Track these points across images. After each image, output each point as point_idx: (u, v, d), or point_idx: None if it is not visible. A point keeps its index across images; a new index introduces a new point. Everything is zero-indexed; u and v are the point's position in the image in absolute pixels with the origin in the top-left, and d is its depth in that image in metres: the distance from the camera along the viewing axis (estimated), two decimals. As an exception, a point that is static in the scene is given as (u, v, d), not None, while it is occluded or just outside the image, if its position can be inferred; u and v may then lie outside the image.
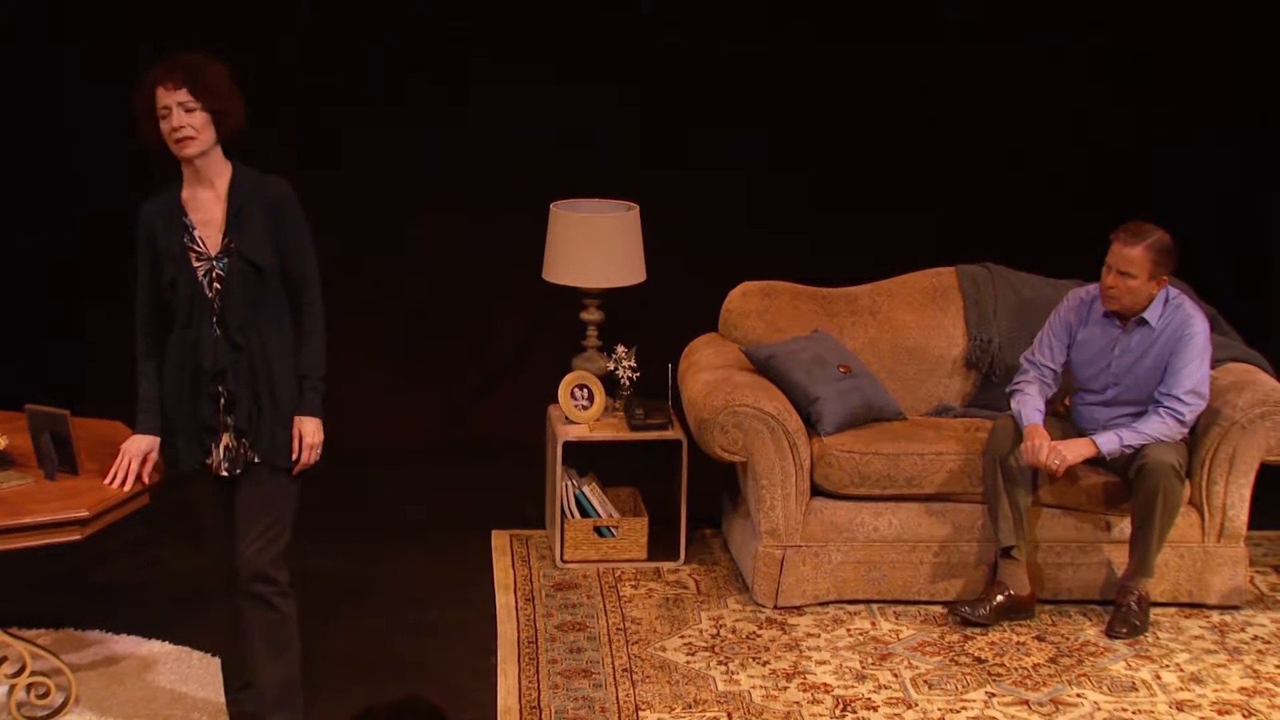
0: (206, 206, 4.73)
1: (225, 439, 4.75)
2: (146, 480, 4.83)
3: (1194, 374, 5.78)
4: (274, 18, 7.06)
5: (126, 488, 4.80)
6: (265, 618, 4.79)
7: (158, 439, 4.84)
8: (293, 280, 4.77)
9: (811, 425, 6.01)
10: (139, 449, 4.82)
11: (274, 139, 6.98)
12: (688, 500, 6.30)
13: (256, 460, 4.76)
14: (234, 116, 4.71)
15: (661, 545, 6.33)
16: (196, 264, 4.70)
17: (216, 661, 5.34)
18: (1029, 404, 5.87)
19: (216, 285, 4.70)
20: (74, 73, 7.00)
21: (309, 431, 4.78)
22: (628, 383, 6.37)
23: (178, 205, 4.73)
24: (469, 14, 7.12)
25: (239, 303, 4.70)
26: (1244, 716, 5.31)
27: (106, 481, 4.79)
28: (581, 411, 6.34)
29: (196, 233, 4.71)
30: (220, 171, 4.74)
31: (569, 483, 6.32)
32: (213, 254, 4.70)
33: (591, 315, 6.49)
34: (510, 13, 7.14)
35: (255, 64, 6.94)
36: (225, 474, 4.77)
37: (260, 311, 4.73)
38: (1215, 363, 5.95)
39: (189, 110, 4.63)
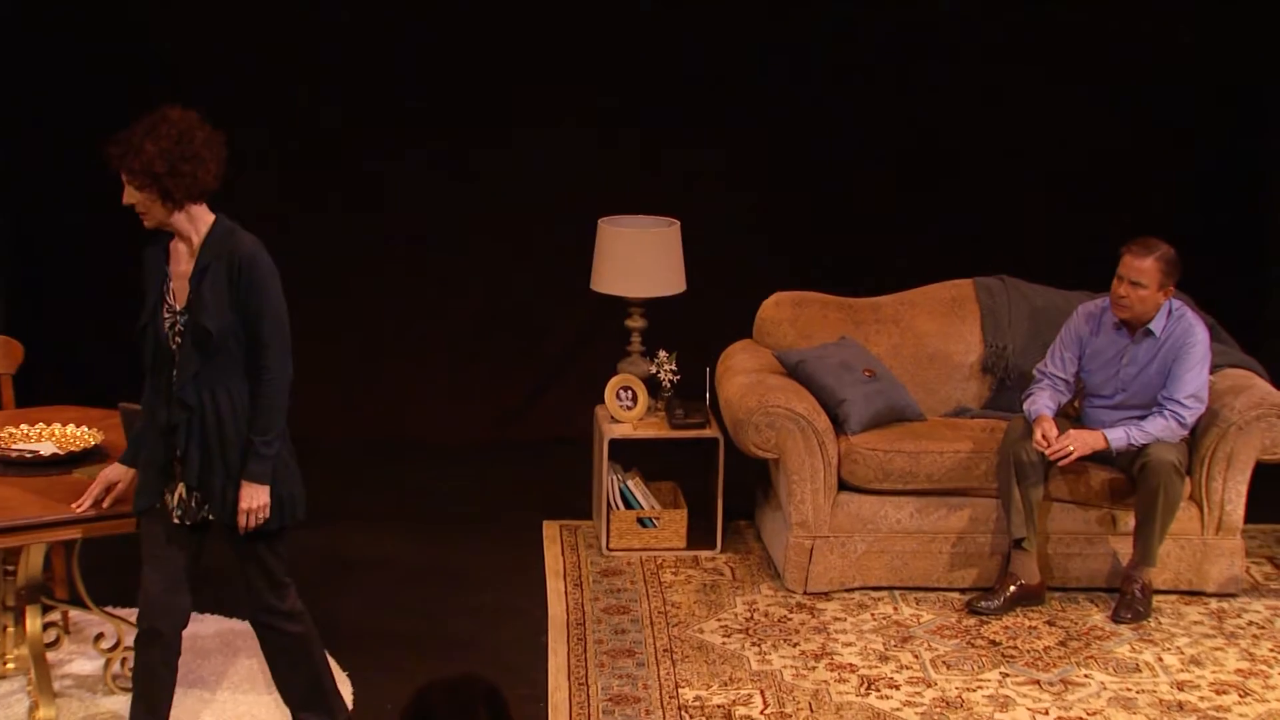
0: (183, 260, 4.40)
1: (180, 489, 4.45)
2: (105, 507, 4.62)
3: (1195, 380, 5.77)
4: (368, 40, 7.10)
5: (80, 510, 4.60)
6: (277, 641, 4.64)
7: (132, 471, 4.58)
8: (251, 342, 4.38)
9: (839, 425, 6.00)
10: (107, 477, 4.63)
11: (362, 154, 7.10)
12: (724, 494, 6.30)
13: (212, 518, 4.47)
14: (188, 181, 4.29)
15: (699, 535, 6.32)
16: (166, 315, 4.40)
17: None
18: (1039, 401, 5.87)
19: (177, 340, 4.38)
20: (127, 72, 6.93)
21: (244, 496, 4.40)
22: (669, 385, 6.37)
23: (165, 254, 4.43)
24: (535, 48, 7.15)
25: (191, 361, 4.36)
26: (1240, 696, 5.31)
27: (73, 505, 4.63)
28: (626, 411, 6.35)
29: (172, 284, 4.41)
30: (196, 228, 4.38)
31: (614, 477, 6.32)
32: (178, 308, 4.39)
33: (636, 323, 6.50)
34: (565, 46, 7.15)
35: (326, 85, 7.01)
36: (177, 521, 4.46)
37: (214, 372, 4.37)
38: (1214, 368, 5.94)
39: (136, 188, 4.30)
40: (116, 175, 4.37)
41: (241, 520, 4.43)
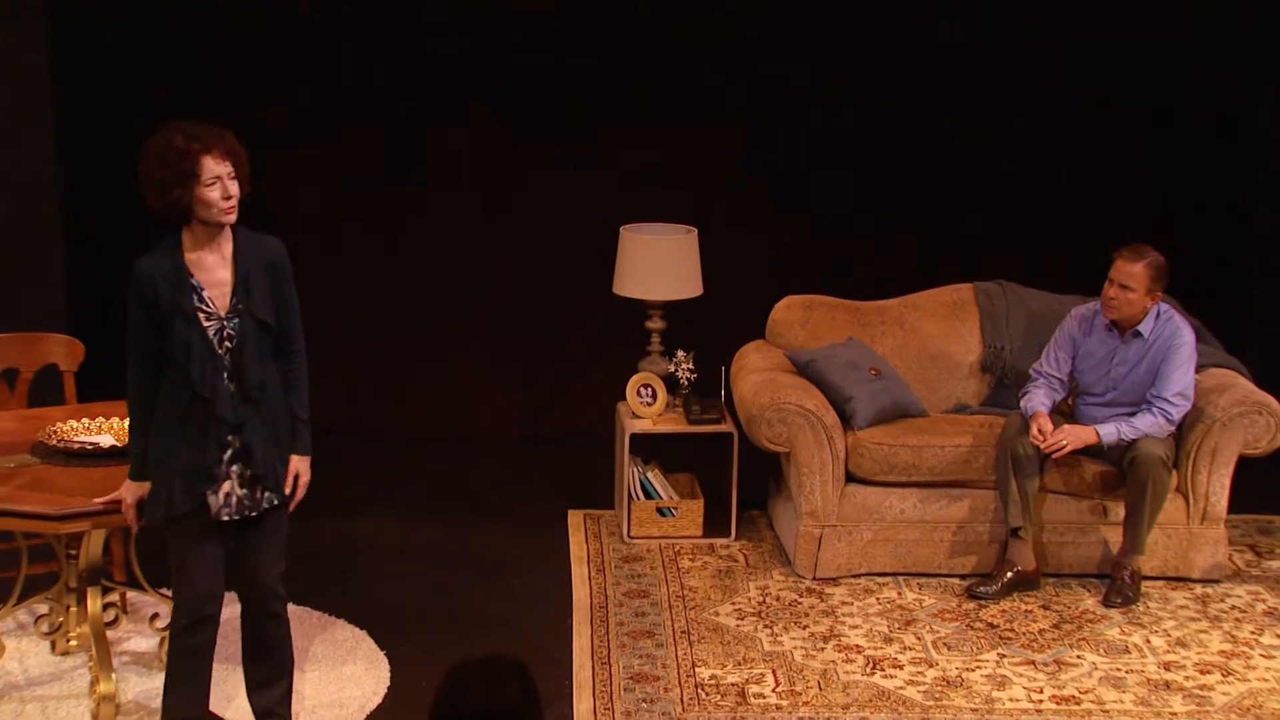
0: (213, 268, 4.41)
1: (226, 486, 4.44)
2: (134, 527, 4.65)
3: (1181, 379, 5.81)
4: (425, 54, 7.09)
5: (132, 527, 4.64)
6: (272, 626, 4.65)
7: (147, 484, 4.52)
8: (285, 332, 4.49)
9: (846, 421, 6.05)
10: (135, 496, 4.55)
11: (410, 168, 7.09)
12: (738, 485, 6.32)
13: (275, 504, 4.50)
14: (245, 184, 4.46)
15: (715, 524, 6.36)
16: (207, 324, 4.39)
17: (353, 629, 5.40)
18: (1036, 398, 5.90)
19: (227, 344, 4.40)
20: (130, 74, 6.95)
21: (305, 470, 4.53)
22: (686, 383, 6.40)
23: (183, 266, 4.39)
24: (535, 49, 7.13)
25: (253, 359, 4.42)
26: (1223, 675, 5.36)
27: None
28: (646, 407, 6.39)
29: (206, 293, 4.39)
30: (229, 235, 4.43)
31: (635, 469, 6.36)
32: (223, 314, 4.40)
33: (655, 324, 6.53)
34: (565, 47, 7.12)
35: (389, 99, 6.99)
36: (225, 519, 4.46)
37: (267, 365, 4.47)
38: (1199, 368, 5.97)
39: (233, 179, 4.36)
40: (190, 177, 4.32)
41: (300, 493, 4.50)
